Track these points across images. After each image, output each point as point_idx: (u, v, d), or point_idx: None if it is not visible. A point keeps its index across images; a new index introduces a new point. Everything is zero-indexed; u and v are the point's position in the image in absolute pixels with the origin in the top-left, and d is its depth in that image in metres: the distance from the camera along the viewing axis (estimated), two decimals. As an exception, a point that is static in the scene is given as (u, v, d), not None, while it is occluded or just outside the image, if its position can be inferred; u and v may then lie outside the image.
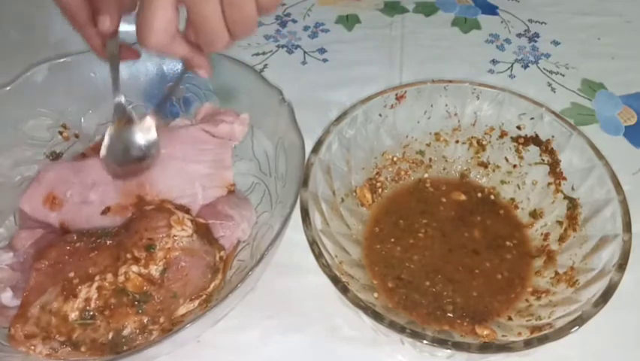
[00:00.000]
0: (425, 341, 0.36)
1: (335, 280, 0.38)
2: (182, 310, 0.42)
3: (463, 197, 0.50)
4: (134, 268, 0.40)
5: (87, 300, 0.39)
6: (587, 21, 0.70)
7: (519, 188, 0.50)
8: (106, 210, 0.45)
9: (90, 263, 0.41)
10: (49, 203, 0.44)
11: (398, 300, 0.44)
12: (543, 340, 0.36)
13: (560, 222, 0.46)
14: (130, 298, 0.40)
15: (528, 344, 0.36)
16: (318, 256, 0.39)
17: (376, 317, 0.37)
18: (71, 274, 0.41)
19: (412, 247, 0.47)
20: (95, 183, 0.46)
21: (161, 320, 0.41)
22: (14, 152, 0.49)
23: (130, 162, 0.43)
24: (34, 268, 0.42)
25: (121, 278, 0.40)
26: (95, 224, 0.44)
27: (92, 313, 0.39)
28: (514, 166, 0.50)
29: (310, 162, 0.44)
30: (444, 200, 0.50)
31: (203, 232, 0.44)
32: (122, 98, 0.44)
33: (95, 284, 0.40)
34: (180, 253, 0.41)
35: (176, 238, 0.41)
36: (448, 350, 0.36)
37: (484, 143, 0.51)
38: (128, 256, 0.41)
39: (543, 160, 0.48)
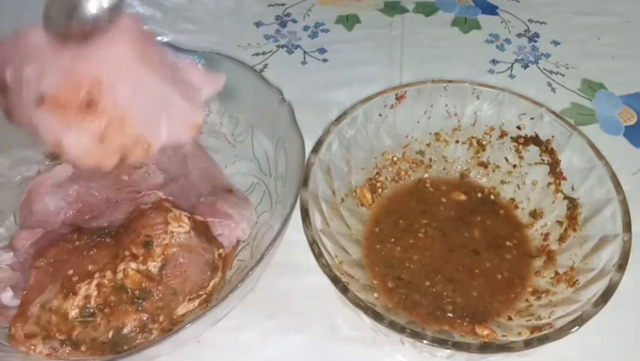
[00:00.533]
0: (425, 341, 0.36)
1: (335, 280, 0.38)
2: (182, 310, 0.42)
3: (463, 197, 0.50)
4: (133, 264, 0.40)
5: (87, 297, 0.40)
6: (587, 21, 0.70)
7: (519, 188, 0.50)
8: (40, 101, 0.32)
9: (89, 261, 0.41)
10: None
11: (398, 300, 0.44)
12: (543, 340, 0.36)
13: (560, 223, 0.46)
14: (129, 295, 0.40)
15: (528, 344, 0.36)
16: (318, 256, 0.39)
17: (376, 316, 0.37)
18: (70, 272, 0.41)
19: (412, 247, 0.47)
20: (32, 53, 0.32)
21: (161, 318, 0.41)
22: (14, 152, 0.49)
23: (77, 22, 0.31)
24: (33, 266, 0.42)
25: (120, 275, 0.40)
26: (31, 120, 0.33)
27: (91, 310, 0.39)
28: (514, 166, 0.50)
29: (310, 162, 0.44)
30: (444, 200, 0.50)
31: (202, 230, 0.44)
32: None
33: (95, 282, 0.40)
34: (178, 250, 0.41)
35: (173, 234, 0.41)
36: (448, 350, 0.36)
37: (484, 143, 0.51)
38: (127, 253, 0.41)
39: (543, 160, 0.48)
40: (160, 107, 0.35)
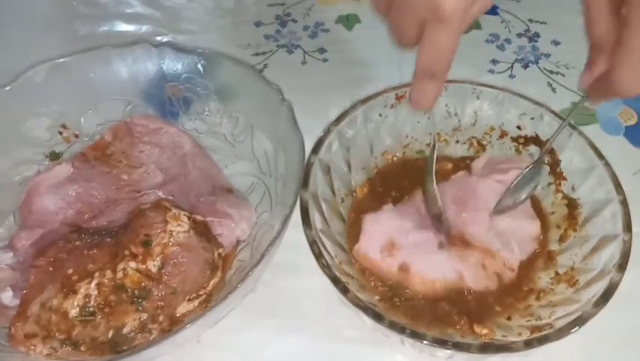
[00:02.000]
0: (425, 342, 0.36)
1: (335, 281, 0.38)
2: (181, 310, 0.42)
3: (449, 165, 0.50)
4: (132, 264, 0.40)
5: (87, 297, 0.40)
6: (587, 21, 0.69)
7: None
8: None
9: (89, 260, 0.41)
10: (387, 250, 0.43)
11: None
12: (543, 340, 0.36)
13: (560, 223, 0.46)
14: (129, 294, 0.40)
15: (528, 344, 0.36)
16: (318, 256, 0.39)
17: (376, 317, 0.37)
18: (70, 271, 0.41)
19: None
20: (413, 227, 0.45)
21: (161, 318, 0.41)
22: (14, 152, 0.49)
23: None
24: (33, 265, 0.42)
25: (120, 275, 0.40)
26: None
27: (92, 309, 0.39)
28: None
29: (310, 162, 0.44)
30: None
31: (201, 229, 0.44)
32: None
33: (95, 281, 0.40)
34: (177, 249, 0.41)
35: (172, 233, 0.41)
36: (448, 351, 0.36)
37: (484, 143, 0.51)
38: (126, 252, 0.41)
39: (543, 160, 0.48)
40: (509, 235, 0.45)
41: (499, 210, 0.45)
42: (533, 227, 0.46)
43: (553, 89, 0.62)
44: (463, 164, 0.51)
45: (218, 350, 0.43)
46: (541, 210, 0.48)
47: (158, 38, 0.65)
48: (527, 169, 0.44)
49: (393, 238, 0.44)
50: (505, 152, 0.50)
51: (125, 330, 0.40)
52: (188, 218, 0.43)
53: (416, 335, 0.36)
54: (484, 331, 0.40)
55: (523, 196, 0.45)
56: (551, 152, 0.48)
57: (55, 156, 0.52)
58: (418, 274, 0.43)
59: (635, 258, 0.39)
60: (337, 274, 0.39)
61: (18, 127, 0.50)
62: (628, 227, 0.40)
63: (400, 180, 0.50)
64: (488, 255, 0.43)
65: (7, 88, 0.48)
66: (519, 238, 0.45)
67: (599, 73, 0.37)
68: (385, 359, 0.43)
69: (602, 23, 0.33)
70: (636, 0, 0.31)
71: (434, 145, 0.43)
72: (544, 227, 0.46)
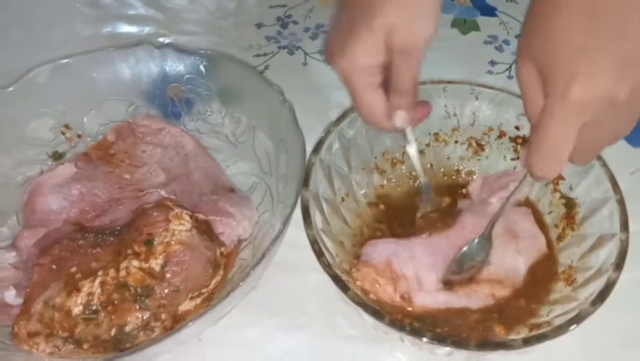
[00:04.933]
0: (425, 339, 0.36)
1: (336, 279, 0.38)
2: (184, 308, 0.42)
3: (447, 199, 0.50)
4: (135, 262, 0.41)
5: (90, 295, 0.40)
6: (586, 22, 0.70)
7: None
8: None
9: (92, 259, 0.41)
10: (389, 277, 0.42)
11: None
12: (541, 338, 0.36)
13: (558, 222, 0.46)
14: (132, 292, 0.40)
15: (526, 342, 0.36)
16: (319, 254, 0.39)
17: (376, 315, 0.37)
18: (74, 270, 0.41)
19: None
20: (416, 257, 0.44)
21: (163, 316, 0.41)
22: (17, 152, 0.50)
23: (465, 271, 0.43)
24: (36, 264, 0.42)
25: (122, 273, 0.40)
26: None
27: (94, 308, 0.40)
28: (514, 168, 0.50)
29: (311, 162, 0.44)
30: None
31: (203, 228, 0.44)
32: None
33: (98, 279, 0.40)
34: (180, 247, 0.42)
35: (174, 232, 0.42)
36: (448, 348, 0.37)
37: (482, 143, 0.51)
38: (129, 251, 0.41)
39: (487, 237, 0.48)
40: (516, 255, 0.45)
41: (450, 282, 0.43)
42: (539, 244, 0.45)
43: (552, 90, 0.63)
44: (457, 195, 0.50)
45: (220, 347, 0.43)
46: (538, 210, 0.48)
47: (161, 40, 0.65)
48: (474, 241, 0.43)
49: (394, 267, 0.43)
50: (504, 152, 0.51)
51: (128, 328, 0.40)
52: (191, 217, 0.43)
53: (416, 333, 0.36)
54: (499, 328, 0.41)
55: (472, 270, 0.43)
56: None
57: (58, 156, 0.52)
58: (419, 306, 0.42)
59: (633, 257, 0.39)
60: (338, 272, 0.39)
61: (21, 127, 0.50)
62: (625, 226, 0.40)
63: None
64: (496, 285, 0.43)
65: (10, 89, 0.49)
66: (526, 258, 0.45)
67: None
68: (385, 357, 0.43)
69: (534, 105, 0.32)
70: (553, 81, 0.30)
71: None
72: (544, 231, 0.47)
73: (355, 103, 0.39)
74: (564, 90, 0.30)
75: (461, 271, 0.43)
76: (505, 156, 0.51)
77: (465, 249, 0.43)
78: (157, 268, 0.41)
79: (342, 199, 0.48)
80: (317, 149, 0.45)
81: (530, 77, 0.32)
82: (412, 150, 0.43)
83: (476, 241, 0.43)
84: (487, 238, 0.43)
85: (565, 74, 0.30)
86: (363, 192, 0.50)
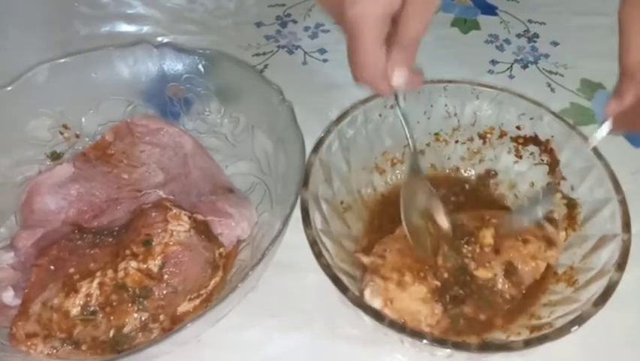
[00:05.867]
0: (425, 341, 0.36)
1: (335, 280, 0.38)
2: (182, 309, 0.42)
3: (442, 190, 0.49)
4: (133, 263, 0.40)
5: (88, 296, 0.40)
6: (586, 21, 0.70)
7: (518, 188, 0.50)
8: None
9: (90, 260, 0.41)
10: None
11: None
12: (543, 339, 0.36)
13: (560, 222, 0.46)
14: (130, 293, 0.40)
15: (528, 343, 0.36)
16: (319, 255, 0.39)
17: (376, 316, 0.37)
18: (72, 270, 0.41)
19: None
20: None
21: (162, 317, 0.41)
22: (15, 152, 0.49)
23: None
24: (34, 264, 0.42)
25: (121, 274, 0.40)
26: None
27: (93, 309, 0.40)
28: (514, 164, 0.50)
29: (310, 162, 0.44)
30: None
31: (202, 229, 0.44)
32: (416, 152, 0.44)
33: (96, 280, 0.40)
34: (178, 248, 0.41)
35: (173, 232, 0.42)
36: (448, 350, 0.36)
37: (483, 143, 0.51)
38: (127, 252, 0.41)
39: (542, 160, 0.48)
40: None
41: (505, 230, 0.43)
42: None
43: (553, 89, 0.63)
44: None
45: (219, 349, 0.43)
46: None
47: (159, 39, 0.65)
48: (539, 192, 0.43)
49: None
50: (504, 152, 0.50)
51: (126, 329, 0.40)
52: (189, 217, 0.43)
53: (416, 335, 0.36)
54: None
55: (529, 220, 0.43)
56: (550, 151, 0.48)
57: (56, 156, 0.52)
58: None
59: (635, 257, 0.39)
60: (337, 273, 0.39)
61: (19, 127, 0.50)
62: (627, 227, 0.40)
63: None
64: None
65: (9, 88, 0.48)
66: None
67: (629, 103, 0.34)
68: (385, 359, 0.43)
69: (637, 51, 0.30)
70: None
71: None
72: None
73: (356, 57, 0.36)
74: None
75: (519, 221, 0.42)
76: (505, 156, 0.51)
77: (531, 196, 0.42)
78: (155, 269, 0.41)
79: (342, 200, 0.47)
80: (316, 149, 0.45)
81: (638, 20, 0.29)
82: (401, 114, 0.42)
83: (539, 191, 0.43)
84: (548, 192, 0.43)
85: None
86: (362, 192, 0.49)
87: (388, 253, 0.43)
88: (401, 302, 0.40)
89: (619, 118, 0.36)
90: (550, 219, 0.45)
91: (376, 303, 0.40)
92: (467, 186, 0.51)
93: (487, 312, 0.42)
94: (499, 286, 0.42)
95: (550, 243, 0.43)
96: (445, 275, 0.42)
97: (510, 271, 0.42)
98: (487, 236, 0.43)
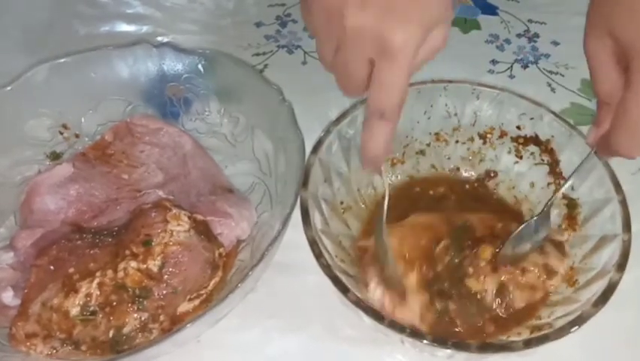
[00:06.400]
0: (425, 341, 0.36)
1: (335, 280, 0.38)
2: (182, 309, 0.42)
3: (441, 189, 0.50)
4: (133, 263, 0.40)
5: (88, 296, 0.40)
6: (587, 21, 0.70)
7: (518, 188, 0.50)
8: None
9: (90, 260, 0.41)
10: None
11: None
12: (543, 340, 0.36)
13: (560, 223, 0.46)
14: (130, 293, 0.40)
15: (528, 343, 0.36)
16: (318, 256, 0.39)
17: (376, 316, 0.37)
18: (71, 270, 0.41)
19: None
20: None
21: (162, 317, 0.41)
22: (14, 152, 0.49)
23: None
24: (34, 264, 0.42)
25: (120, 274, 0.40)
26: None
27: (92, 309, 0.39)
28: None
29: (310, 162, 0.44)
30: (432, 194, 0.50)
31: (202, 229, 0.44)
32: None
33: (96, 280, 0.40)
34: (178, 248, 0.41)
35: (172, 232, 0.41)
36: (448, 350, 0.36)
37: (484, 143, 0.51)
38: (127, 252, 0.41)
39: (543, 160, 0.48)
40: None
41: (500, 261, 0.42)
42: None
43: (553, 89, 0.62)
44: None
45: (218, 349, 0.43)
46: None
47: (159, 39, 0.65)
48: (533, 219, 0.43)
49: None
50: (505, 152, 0.50)
51: (126, 330, 0.40)
52: (189, 217, 0.43)
53: (416, 335, 0.36)
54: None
55: (526, 248, 0.43)
56: (551, 151, 0.48)
57: (55, 156, 0.52)
58: None
59: (635, 257, 0.39)
60: (337, 273, 0.39)
61: (19, 127, 0.50)
62: (627, 227, 0.40)
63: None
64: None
65: (8, 88, 0.48)
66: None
67: (605, 130, 0.36)
68: (385, 359, 0.43)
69: (607, 81, 0.32)
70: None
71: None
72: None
73: (398, 85, 0.32)
74: None
75: (515, 249, 0.42)
76: (505, 156, 0.50)
77: (523, 226, 0.42)
78: (155, 269, 0.41)
79: (342, 200, 0.47)
80: (316, 149, 0.45)
81: (604, 50, 0.31)
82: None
83: (534, 219, 0.42)
84: (545, 217, 0.42)
85: None
86: (362, 192, 0.49)
87: (392, 239, 0.43)
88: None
89: (601, 144, 0.38)
90: (557, 243, 0.45)
91: (377, 295, 0.41)
92: (467, 186, 0.51)
93: (470, 320, 0.42)
94: (488, 300, 0.42)
95: (551, 273, 0.43)
96: (439, 268, 0.42)
97: (502, 292, 0.42)
98: (487, 252, 0.42)
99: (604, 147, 0.37)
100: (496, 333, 0.41)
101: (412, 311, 0.41)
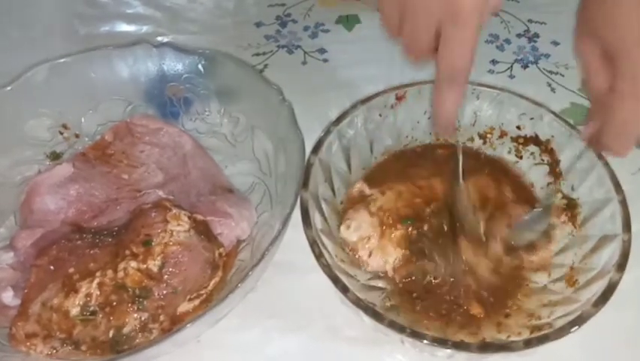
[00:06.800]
0: (425, 341, 0.36)
1: (335, 280, 0.38)
2: (182, 309, 0.42)
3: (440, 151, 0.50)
4: (133, 263, 0.40)
5: (88, 295, 0.40)
6: (587, 21, 0.70)
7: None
8: None
9: (90, 260, 0.41)
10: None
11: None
12: (543, 340, 0.36)
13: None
14: (130, 293, 0.40)
15: (528, 343, 0.36)
16: (319, 255, 0.39)
17: (376, 316, 0.37)
18: (71, 270, 0.41)
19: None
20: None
21: (162, 317, 0.41)
22: (14, 152, 0.49)
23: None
24: (34, 264, 0.42)
25: (120, 274, 0.40)
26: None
27: (92, 309, 0.39)
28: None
29: (310, 162, 0.44)
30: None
31: (202, 229, 0.44)
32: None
33: (96, 280, 0.40)
34: (178, 248, 0.41)
35: (172, 232, 0.41)
36: (448, 350, 0.36)
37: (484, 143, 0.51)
38: (127, 252, 0.41)
39: (543, 160, 0.48)
40: None
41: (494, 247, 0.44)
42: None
43: (553, 89, 0.62)
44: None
45: (218, 349, 0.43)
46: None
47: (159, 39, 0.65)
48: (535, 210, 0.44)
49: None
50: (505, 152, 0.50)
51: (126, 330, 0.40)
52: (189, 217, 0.43)
53: (416, 335, 0.36)
54: (477, 310, 0.41)
55: (526, 240, 0.44)
56: (551, 151, 0.48)
57: (55, 156, 0.52)
58: None
59: (635, 257, 0.39)
60: (337, 273, 0.39)
61: (19, 127, 0.50)
62: (627, 227, 0.40)
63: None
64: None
65: (8, 88, 0.48)
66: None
67: (597, 127, 0.37)
68: (385, 359, 0.43)
69: (596, 80, 0.33)
70: (624, 65, 0.30)
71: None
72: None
73: (469, 47, 0.33)
74: (636, 75, 0.29)
75: (520, 240, 0.43)
76: (506, 156, 0.50)
77: (526, 217, 0.43)
78: (155, 269, 0.41)
79: (342, 200, 0.47)
80: (316, 149, 0.45)
81: (591, 52, 0.32)
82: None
83: (536, 210, 0.43)
84: (546, 209, 0.43)
85: (637, 61, 0.29)
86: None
87: (388, 191, 0.44)
88: (376, 241, 0.43)
89: (594, 140, 0.39)
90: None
91: (352, 237, 0.43)
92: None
93: (453, 291, 0.42)
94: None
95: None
96: (426, 228, 0.43)
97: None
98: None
99: (596, 144, 0.38)
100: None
101: (387, 263, 0.43)
